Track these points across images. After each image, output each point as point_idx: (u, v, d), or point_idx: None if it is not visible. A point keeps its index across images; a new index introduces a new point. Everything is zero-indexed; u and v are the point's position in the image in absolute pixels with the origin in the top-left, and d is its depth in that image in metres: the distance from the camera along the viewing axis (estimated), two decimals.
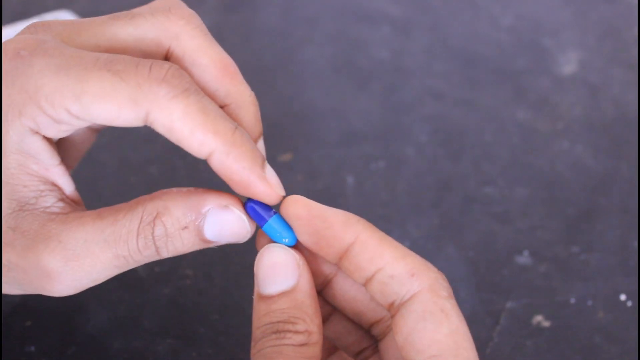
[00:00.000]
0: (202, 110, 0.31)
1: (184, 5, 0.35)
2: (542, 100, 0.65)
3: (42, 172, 0.33)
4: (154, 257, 0.33)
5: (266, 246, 0.32)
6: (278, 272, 0.31)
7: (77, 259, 0.31)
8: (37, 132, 0.32)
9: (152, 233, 0.32)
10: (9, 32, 0.65)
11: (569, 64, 0.70)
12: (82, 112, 0.31)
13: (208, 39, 0.35)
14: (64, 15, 0.68)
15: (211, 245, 0.33)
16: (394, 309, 0.31)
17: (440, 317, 0.29)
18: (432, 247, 0.50)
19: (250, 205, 0.33)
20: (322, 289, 0.35)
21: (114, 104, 0.30)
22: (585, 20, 0.77)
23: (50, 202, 0.33)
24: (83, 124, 0.32)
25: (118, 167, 0.53)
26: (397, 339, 0.30)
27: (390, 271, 0.30)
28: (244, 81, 0.35)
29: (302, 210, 0.32)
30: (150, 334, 0.42)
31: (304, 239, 0.32)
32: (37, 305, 0.42)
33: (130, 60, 0.31)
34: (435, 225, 0.51)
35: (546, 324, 0.45)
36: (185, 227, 0.32)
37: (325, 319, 0.35)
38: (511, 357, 0.43)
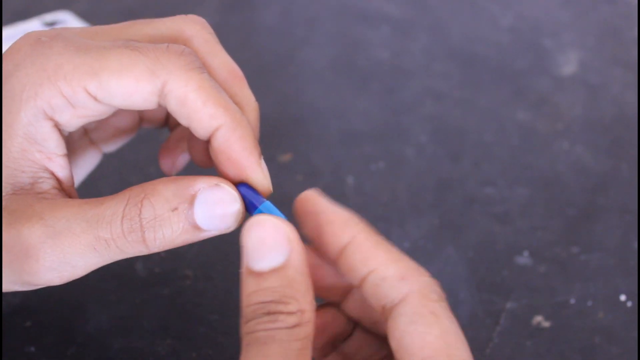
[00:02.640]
0: (215, 87, 0.33)
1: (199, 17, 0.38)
2: (542, 100, 0.65)
3: (43, 161, 0.33)
4: (140, 246, 0.32)
5: (255, 217, 0.31)
6: (268, 246, 0.30)
7: (57, 237, 0.31)
8: (50, 118, 0.32)
9: (139, 214, 0.31)
10: (9, 32, 0.65)
11: (569, 64, 0.70)
12: (100, 90, 0.32)
13: (220, 46, 0.37)
14: (64, 16, 0.68)
15: (202, 236, 0.32)
16: (386, 311, 0.30)
17: (430, 320, 0.29)
18: (432, 247, 0.50)
19: (242, 188, 0.33)
20: (341, 301, 0.35)
21: (131, 77, 0.31)
22: (585, 20, 0.77)
23: (45, 188, 0.33)
24: (97, 110, 0.33)
25: (118, 167, 0.53)
26: (390, 343, 0.30)
27: (382, 273, 0.30)
28: (249, 89, 0.37)
29: (311, 206, 0.32)
30: (150, 334, 0.42)
31: (307, 230, 0.32)
32: (37, 305, 0.42)
33: (147, 43, 0.33)
34: (435, 225, 0.51)
35: (546, 324, 0.45)
36: (175, 209, 0.31)
37: (347, 335, 0.35)
38: (511, 358, 0.43)
